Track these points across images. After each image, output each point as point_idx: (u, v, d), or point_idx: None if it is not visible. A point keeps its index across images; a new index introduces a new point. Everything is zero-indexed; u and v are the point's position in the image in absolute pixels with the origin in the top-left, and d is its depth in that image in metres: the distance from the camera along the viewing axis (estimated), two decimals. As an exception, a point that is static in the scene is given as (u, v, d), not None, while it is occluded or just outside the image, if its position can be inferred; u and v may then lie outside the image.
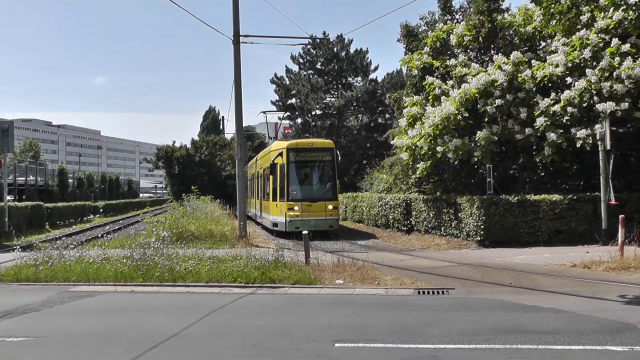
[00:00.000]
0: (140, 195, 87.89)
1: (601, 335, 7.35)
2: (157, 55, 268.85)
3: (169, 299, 10.70)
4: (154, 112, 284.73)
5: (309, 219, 22.18)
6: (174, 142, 49.14)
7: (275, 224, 23.88)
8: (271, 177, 24.02)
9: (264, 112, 35.42)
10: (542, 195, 17.65)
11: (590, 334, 7.38)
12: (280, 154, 23.42)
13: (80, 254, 13.61)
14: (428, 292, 10.78)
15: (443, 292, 10.72)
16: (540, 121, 17.61)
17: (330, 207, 22.91)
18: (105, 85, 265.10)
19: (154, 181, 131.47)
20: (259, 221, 30.15)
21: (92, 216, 40.02)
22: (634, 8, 15.07)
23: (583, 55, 17.70)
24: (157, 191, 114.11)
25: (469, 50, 22.01)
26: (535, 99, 18.26)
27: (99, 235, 23.32)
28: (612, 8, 16.21)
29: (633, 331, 7.56)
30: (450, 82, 20.89)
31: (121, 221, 36.91)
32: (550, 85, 18.75)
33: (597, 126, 16.53)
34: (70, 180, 50.01)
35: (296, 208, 22.51)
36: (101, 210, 41.53)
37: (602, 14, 17.06)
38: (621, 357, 6.54)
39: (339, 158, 25.35)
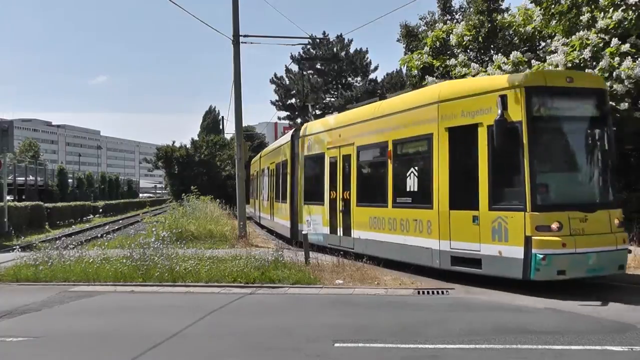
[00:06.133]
0: (140, 195, 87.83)
1: (601, 335, 7.36)
2: (157, 55, 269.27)
3: (168, 299, 10.69)
4: (153, 112, 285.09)
5: (586, 252, 10.06)
6: (173, 142, 49.06)
7: (475, 262, 10.91)
8: (476, 153, 10.90)
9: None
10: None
11: (590, 334, 7.39)
12: (503, 100, 10.43)
13: (80, 254, 13.59)
14: (428, 292, 10.76)
15: (442, 292, 10.71)
16: (540, 121, 17.54)
17: (617, 222, 10.77)
18: (104, 85, 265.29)
19: (154, 181, 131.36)
20: (332, 245, 16.00)
21: (91, 216, 40.07)
22: (633, 8, 15.08)
23: (583, 56, 17.68)
24: (157, 191, 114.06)
25: (468, 50, 22.02)
26: (535, 99, 18.16)
27: (99, 235, 23.32)
28: (612, 8, 16.21)
29: (633, 331, 7.57)
30: (450, 82, 20.87)
31: (121, 221, 36.91)
32: (550, 85, 18.67)
33: (597, 126, 16.43)
34: (69, 180, 49.99)
35: (555, 226, 9.94)
36: (101, 210, 41.53)
37: (602, 14, 17.07)
38: (621, 357, 6.55)
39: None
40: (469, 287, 10.96)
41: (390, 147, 13.54)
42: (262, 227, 28.53)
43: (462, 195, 11.27)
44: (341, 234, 15.67)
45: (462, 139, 11.36)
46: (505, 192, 10.65)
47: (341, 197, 15.73)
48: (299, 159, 18.88)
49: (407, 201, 12.93)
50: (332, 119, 17.84)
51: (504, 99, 10.49)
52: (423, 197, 12.29)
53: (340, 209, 15.74)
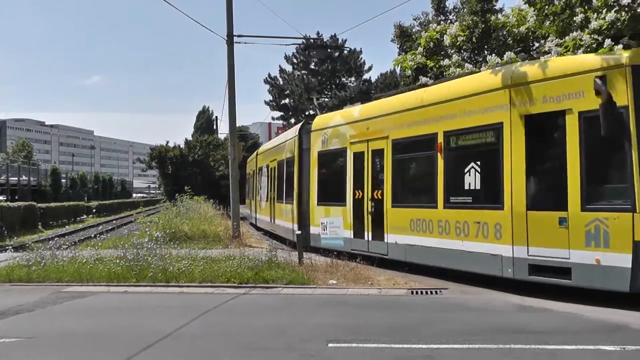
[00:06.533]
0: (134, 195, 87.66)
1: (595, 335, 7.38)
2: (151, 55, 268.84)
3: (162, 299, 10.66)
4: (147, 112, 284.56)
5: None
6: (167, 142, 48.78)
7: (562, 272, 9.49)
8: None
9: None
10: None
11: (584, 334, 7.42)
12: (604, 82, 9.29)
13: (73, 255, 13.54)
14: (421, 292, 10.77)
15: (436, 292, 10.72)
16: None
17: None
18: (99, 85, 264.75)
19: (147, 181, 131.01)
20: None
21: (85, 216, 40.05)
22: (626, 9, 15.15)
23: (576, 56, 17.77)
24: (151, 191, 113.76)
25: (462, 51, 22.01)
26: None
27: (92, 235, 23.28)
28: (605, 9, 16.27)
29: (626, 331, 7.60)
30: (444, 83, 20.92)
31: (114, 221, 36.86)
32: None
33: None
34: (63, 181, 49.88)
35: None
36: (94, 210, 41.47)
37: (595, 15, 17.14)
38: (614, 356, 6.57)
39: None
40: (464, 286, 10.99)
41: (440, 140, 11.82)
42: (258, 228, 28.05)
43: (544, 194, 9.85)
44: (370, 239, 13.95)
45: (544, 128, 9.90)
46: (605, 190, 9.18)
47: (370, 196, 14.00)
48: (311, 155, 16.95)
49: (466, 201, 11.24)
50: (355, 110, 15.72)
51: (603, 80, 9.15)
52: (489, 196, 10.75)
53: (369, 210, 13.96)
